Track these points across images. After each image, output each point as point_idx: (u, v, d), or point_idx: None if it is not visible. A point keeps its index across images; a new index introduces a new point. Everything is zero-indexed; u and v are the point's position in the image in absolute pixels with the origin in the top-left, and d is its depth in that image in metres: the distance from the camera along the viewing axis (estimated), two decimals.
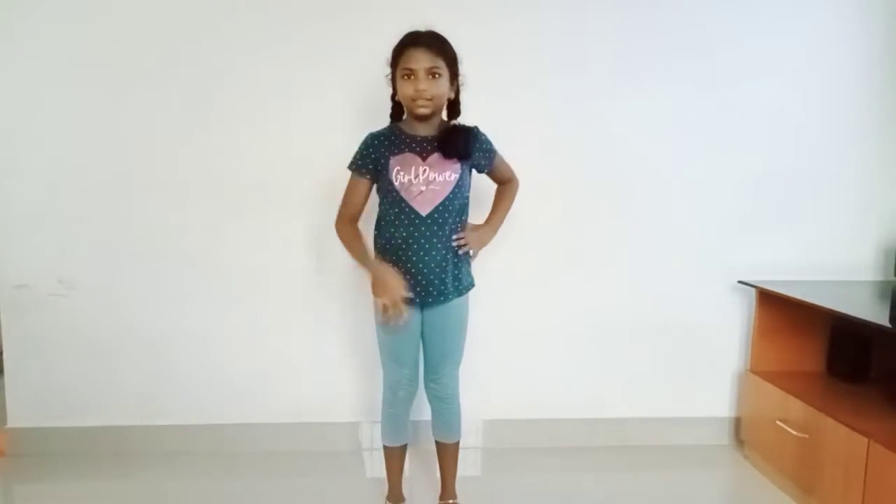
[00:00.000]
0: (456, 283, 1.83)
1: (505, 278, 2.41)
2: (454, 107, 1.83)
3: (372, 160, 1.80)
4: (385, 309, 1.73)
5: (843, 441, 1.89)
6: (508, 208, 1.99)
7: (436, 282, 1.79)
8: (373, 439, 2.49)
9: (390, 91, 1.82)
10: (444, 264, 1.79)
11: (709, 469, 2.44)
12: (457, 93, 1.81)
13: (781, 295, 2.21)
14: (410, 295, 1.75)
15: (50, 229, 2.32)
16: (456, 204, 1.79)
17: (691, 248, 2.49)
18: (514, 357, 2.49)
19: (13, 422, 2.40)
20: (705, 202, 2.47)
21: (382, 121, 1.87)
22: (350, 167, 1.83)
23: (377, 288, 1.77)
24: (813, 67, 2.44)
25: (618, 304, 2.50)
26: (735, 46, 2.39)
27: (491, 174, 1.95)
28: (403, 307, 1.73)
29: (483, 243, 1.94)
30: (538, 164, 2.31)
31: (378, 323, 1.85)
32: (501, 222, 1.99)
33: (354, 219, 1.87)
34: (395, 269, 1.76)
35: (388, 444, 2.00)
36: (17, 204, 2.30)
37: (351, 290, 2.40)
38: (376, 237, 1.87)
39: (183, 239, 2.35)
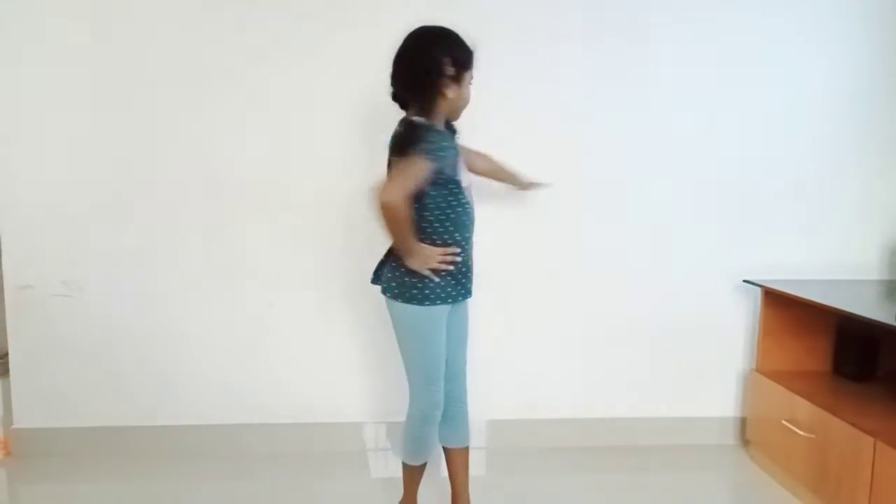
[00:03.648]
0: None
1: (509, 278, 2.41)
2: None
3: (449, 156, 1.68)
4: (437, 271, 1.72)
5: (849, 441, 1.89)
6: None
7: (471, 275, 1.85)
8: (377, 440, 2.50)
9: (439, 87, 1.67)
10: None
11: (714, 469, 2.44)
12: None
13: (787, 294, 2.20)
14: (457, 258, 1.76)
15: (54, 231, 2.32)
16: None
17: (697, 247, 2.48)
18: (518, 357, 2.49)
19: (19, 422, 2.41)
20: (711, 202, 2.46)
21: (385, 124, 1.79)
22: (428, 154, 1.63)
23: (423, 264, 1.72)
24: (817, 69, 2.43)
25: (623, 303, 2.49)
26: (739, 49, 2.39)
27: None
28: (449, 255, 1.73)
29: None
30: (543, 163, 2.30)
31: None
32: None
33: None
34: (453, 268, 1.75)
35: (412, 464, 1.92)
36: (21, 205, 2.30)
37: (356, 291, 2.40)
38: (429, 238, 1.74)
39: (188, 240, 2.35)
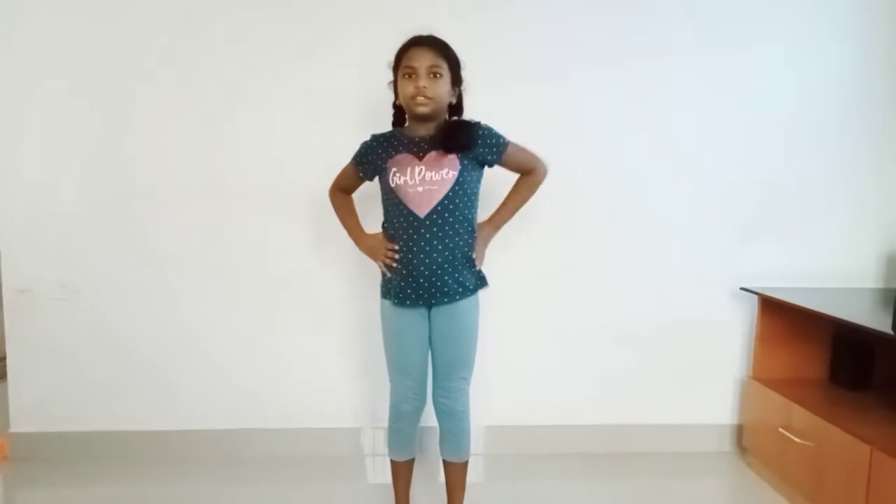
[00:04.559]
0: (458, 285, 1.78)
1: (506, 284, 2.40)
2: (456, 112, 1.83)
3: (370, 161, 1.83)
4: (388, 267, 1.81)
5: (845, 448, 1.89)
6: (520, 202, 1.92)
7: (438, 283, 1.75)
8: (374, 445, 2.49)
9: (392, 97, 1.83)
10: (446, 266, 1.75)
11: (711, 476, 2.44)
12: (459, 98, 1.82)
13: (783, 302, 2.21)
14: (396, 247, 1.78)
15: (52, 234, 2.32)
16: (458, 203, 1.75)
17: (693, 254, 2.49)
18: (516, 363, 2.49)
19: (16, 427, 2.41)
20: (707, 209, 2.48)
21: (385, 123, 1.87)
22: (352, 160, 1.90)
23: (368, 254, 1.88)
24: (816, 73, 2.45)
25: (620, 310, 2.50)
26: (736, 52, 2.40)
27: (506, 166, 1.86)
28: (391, 252, 1.79)
29: (483, 242, 1.86)
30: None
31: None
32: (507, 218, 1.91)
33: (345, 192, 1.98)
34: (399, 269, 1.78)
35: (393, 459, 1.96)
36: (18, 208, 2.31)
37: (354, 295, 2.41)
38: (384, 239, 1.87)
39: (185, 243, 2.36)
